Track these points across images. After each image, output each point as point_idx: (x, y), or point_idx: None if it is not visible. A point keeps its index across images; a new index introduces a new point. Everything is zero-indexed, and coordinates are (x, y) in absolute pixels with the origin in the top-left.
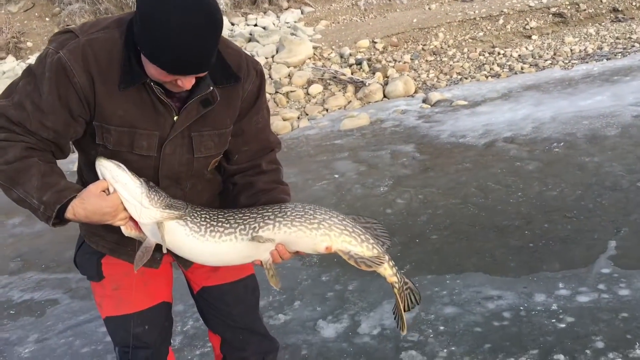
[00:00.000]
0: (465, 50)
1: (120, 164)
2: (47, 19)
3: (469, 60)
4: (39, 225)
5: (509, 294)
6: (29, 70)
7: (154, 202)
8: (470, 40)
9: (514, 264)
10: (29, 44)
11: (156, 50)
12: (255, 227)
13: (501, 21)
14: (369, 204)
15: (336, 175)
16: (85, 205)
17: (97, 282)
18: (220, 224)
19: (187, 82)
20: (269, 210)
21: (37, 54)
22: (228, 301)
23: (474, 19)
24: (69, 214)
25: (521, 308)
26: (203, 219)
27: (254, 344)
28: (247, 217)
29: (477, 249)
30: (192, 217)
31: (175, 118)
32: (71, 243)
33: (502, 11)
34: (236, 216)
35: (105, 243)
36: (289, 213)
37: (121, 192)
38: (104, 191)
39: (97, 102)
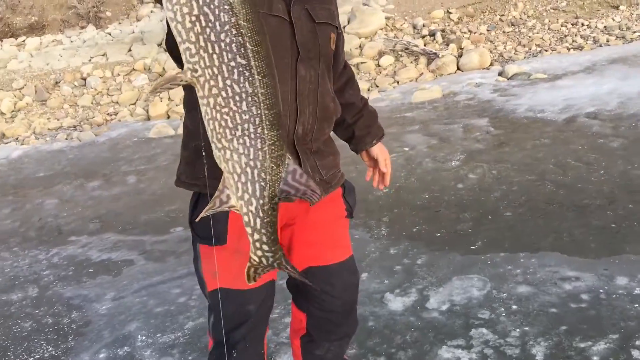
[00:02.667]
0: (546, 21)
1: None
2: None
3: (549, 32)
4: (117, 189)
5: (588, 275)
6: None
7: None
8: (552, 10)
9: (595, 245)
10: (108, 13)
11: None
12: None
13: None
14: (439, 178)
15: (406, 148)
16: None
17: (217, 245)
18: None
19: None
20: None
21: (115, 24)
22: (334, 282)
23: None
24: None
25: (601, 291)
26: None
27: (344, 327)
28: None
29: (554, 228)
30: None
31: None
32: (146, 207)
33: None
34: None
35: None
36: None
37: None
38: None
39: None
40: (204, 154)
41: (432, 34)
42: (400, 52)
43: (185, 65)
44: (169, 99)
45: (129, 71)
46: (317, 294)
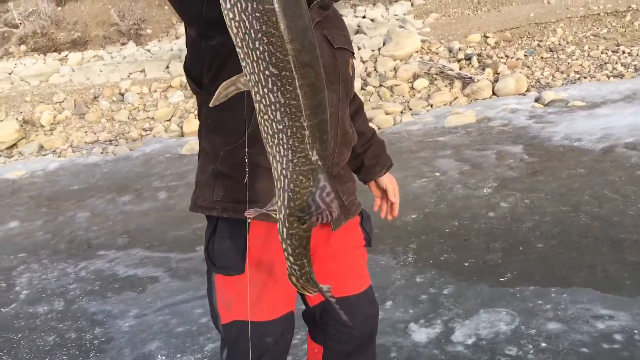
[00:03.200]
0: (586, 47)
1: None
2: (166, 7)
3: (589, 59)
4: (147, 204)
5: (622, 314)
6: None
7: None
8: (592, 37)
9: (630, 282)
10: (149, 30)
11: None
12: None
13: (628, 17)
14: (470, 206)
15: (437, 174)
16: None
17: (232, 275)
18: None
19: None
20: None
21: (155, 41)
22: (353, 314)
23: (598, 14)
24: None
25: (635, 331)
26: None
27: (363, 358)
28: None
29: (588, 263)
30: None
31: None
32: (175, 224)
33: (630, 7)
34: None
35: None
36: None
37: None
38: None
39: None
40: (247, 172)
41: (468, 58)
42: (435, 76)
43: (243, 69)
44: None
45: (165, 88)
46: (335, 325)
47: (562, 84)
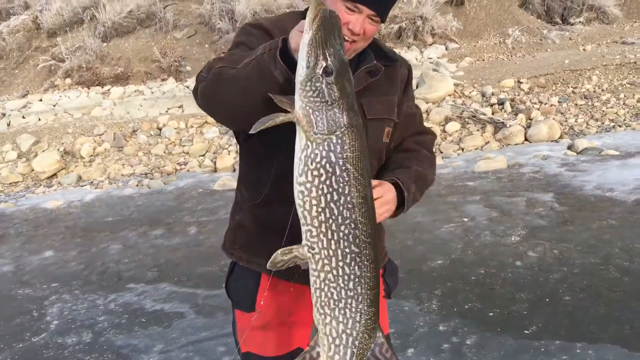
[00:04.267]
0: (622, 95)
1: (334, 28)
2: (206, 45)
3: (624, 107)
4: (177, 239)
5: None
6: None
7: (304, 95)
8: (629, 85)
9: None
10: (188, 68)
11: None
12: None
13: None
14: (497, 253)
15: (465, 219)
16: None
17: (246, 312)
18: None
19: (358, 25)
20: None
21: (194, 77)
22: None
23: (635, 62)
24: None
25: None
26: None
27: None
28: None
29: (616, 318)
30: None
31: None
32: (204, 259)
33: None
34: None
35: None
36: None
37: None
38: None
39: None
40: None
41: (501, 103)
42: (467, 119)
43: (304, 241)
44: (237, 152)
45: (201, 124)
46: None
47: (596, 132)
